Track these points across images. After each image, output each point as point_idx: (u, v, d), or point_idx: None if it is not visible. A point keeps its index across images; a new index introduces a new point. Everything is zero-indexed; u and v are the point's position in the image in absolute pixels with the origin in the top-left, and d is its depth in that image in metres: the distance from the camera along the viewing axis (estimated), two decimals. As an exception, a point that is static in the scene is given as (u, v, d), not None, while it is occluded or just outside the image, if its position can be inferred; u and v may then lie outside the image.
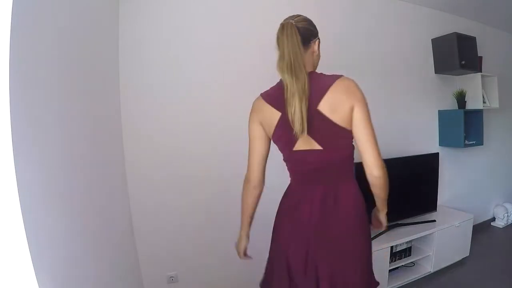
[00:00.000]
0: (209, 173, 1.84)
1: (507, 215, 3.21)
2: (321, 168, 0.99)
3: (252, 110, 1.08)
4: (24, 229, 0.63)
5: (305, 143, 0.97)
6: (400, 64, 2.54)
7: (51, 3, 0.87)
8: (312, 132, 0.94)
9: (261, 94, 1.06)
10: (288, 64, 0.91)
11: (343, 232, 0.98)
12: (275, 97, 1.00)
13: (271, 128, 1.01)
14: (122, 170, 1.64)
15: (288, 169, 1.08)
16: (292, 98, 0.91)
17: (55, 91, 0.89)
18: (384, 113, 2.43)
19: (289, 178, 1.10)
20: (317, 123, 0.94)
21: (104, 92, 1.43)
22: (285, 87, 0.93)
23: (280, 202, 1.11)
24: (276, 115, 0.99)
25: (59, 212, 0.85)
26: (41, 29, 0.81)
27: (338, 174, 1.01)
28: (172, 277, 1.80)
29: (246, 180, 1.13)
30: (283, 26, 0.95)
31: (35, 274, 0.64)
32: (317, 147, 0.97)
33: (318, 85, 0.95)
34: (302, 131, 0.92)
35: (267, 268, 1.12)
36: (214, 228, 1.88)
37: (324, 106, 0.93)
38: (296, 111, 0.91)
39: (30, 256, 0.64)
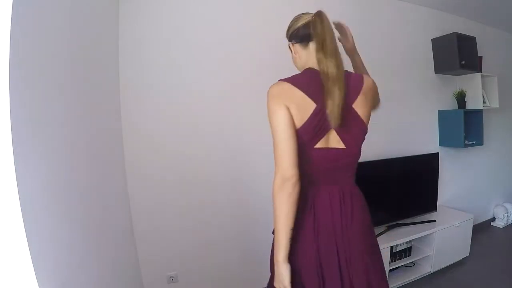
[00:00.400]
0: (209, 173, 1.84)
1: (507, 215, 3.21)
2: (339, 168, 0.95)
3: (273, 95, 0.90)
4: (24, 229, 0.63)
5: (328, 141, 0.92)
6: (400, 64, 2.54)
7: (51, 3, 0.87)
8: (341, 129, 0.91)
9: (285, 80, 0.92)
10: (331, 50, 0.88)
11: (363, 231, 0.97)
12: (308, 85, 0.89)
13: (302, 118, 0.89)
14: (122, 170, 1.64)
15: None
16: (334, 86, 0.85)
17: (55, 91, 0.89)
18: (384, 113, 2.42)
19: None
20: (349, 121, 0.91)
21: (104, 92, 1.43)
22: (326, 75, 0.87)
23: None
24: (310, 105, 0.88)
25: (59, 213, 0.85)
26: (41, 29, 0.81)
27: (349, 174, 1.00)
28: (172, 277, 1.80)
29: (282, 179, 0.86)
30: (321, 14, 0.92)
31: (35, 274, 0.64)
32: (341, 145, 0.93)
33: (351, 81, 0.94)
34: (336, 124, 0.86)
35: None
36: (214, 228, 1.88)
37: (358, 104, 0.92)
38: (336, 101, 0.85)
39: (30, 257, 0.64)
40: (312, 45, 0.96)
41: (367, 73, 1.12)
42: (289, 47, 1.05)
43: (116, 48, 1.60)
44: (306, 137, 0.90)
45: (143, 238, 1.73)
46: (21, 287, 0.63)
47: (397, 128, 2.54)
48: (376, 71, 2.37)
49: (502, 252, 2.66)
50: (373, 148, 2.36)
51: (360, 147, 0.97)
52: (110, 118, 1.50)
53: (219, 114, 1.85)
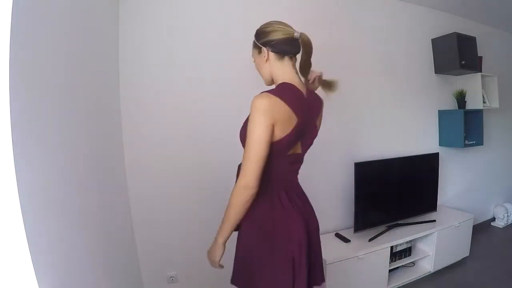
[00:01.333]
0: (209, 173, 1.84)
1: (507, 215, 3.22)
2: (295, 170, 1.12)
3: (264, 109, 0.91)
4: (24, 229, 0.63)
5: (295, 148, 1.05)
6: (400, 64, 2.54)
7: (51, 3, 0.87)
8: (304, 140, 1.06)
9: (272, 93, 0.95)
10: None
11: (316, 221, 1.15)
12: (292, 98, 0.96)
13: (284, 131, 0.95)
14: (123, 171, 1.64)
15: (269, 171, 1.00)
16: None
17: (55, 91, 0.89)
18: (384, 113, 2.44)
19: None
20: (310, 134, 1.08)
21: (104, 92, 1.43)
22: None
23: (263, 201, 1.02)
24: (294, 119, 0.96)
25: (59, 212, 0.85)
26: (41, 29, 0.81)
27: (297, 174, 1.15)
28: (172, 277, 1.80)
29: (245, 186, 0.95)
30: (305, 36, 1.03)
31: (35, 274, 0.64)
32: (299, 151, 1.07)
33: (317, 101, 1.12)
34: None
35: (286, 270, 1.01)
36: (215, 228, 1.87)
37: (318, 120, 1.12)
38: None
39: (30, 257, 0.64)
40: (287, 60, 1.03)
41: None
42: (258, 48, 1.05)
43: (116, 48, 1.60)
44: (284, 147, 0.99)
45: (143, 238, 1.73)
46: (21, 287, 0.63)
47: (397, 128, 2.54)
48: (376, 71, 2.39)
49: (502, 252, 2.66)
50: (373, 148, 2.37)
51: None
52: (110, 118, 1.50)
53: (219, 114, 1.85)
